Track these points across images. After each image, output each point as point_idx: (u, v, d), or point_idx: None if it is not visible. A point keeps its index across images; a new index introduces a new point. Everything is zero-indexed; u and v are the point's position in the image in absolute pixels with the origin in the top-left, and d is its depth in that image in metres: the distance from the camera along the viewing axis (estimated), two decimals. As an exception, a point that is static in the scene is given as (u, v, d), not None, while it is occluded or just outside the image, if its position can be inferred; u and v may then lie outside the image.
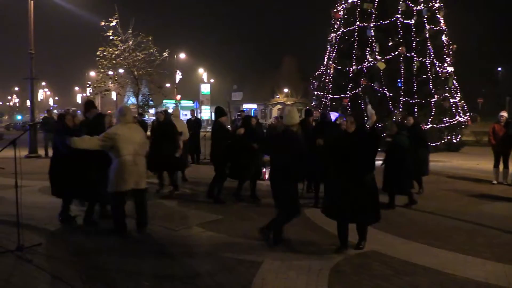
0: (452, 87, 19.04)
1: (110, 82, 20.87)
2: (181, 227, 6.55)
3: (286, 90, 60.04)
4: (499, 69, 65.17)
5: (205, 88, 59.08)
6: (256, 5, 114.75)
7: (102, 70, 19.41)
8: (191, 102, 56.43)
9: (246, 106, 59.46)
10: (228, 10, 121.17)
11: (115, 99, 43.42)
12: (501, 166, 10.33)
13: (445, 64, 18.80)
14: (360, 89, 18.03)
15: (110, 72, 20.10)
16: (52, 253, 5.27)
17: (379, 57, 17.91)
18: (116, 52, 18.82)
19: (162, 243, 5.80)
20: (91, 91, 23.91)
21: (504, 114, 10.49)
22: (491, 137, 10.47)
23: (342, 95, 18.73)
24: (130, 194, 6.09)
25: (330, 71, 19.83)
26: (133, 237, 6.01)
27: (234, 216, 7.25)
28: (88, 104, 7.43)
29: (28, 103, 22.58)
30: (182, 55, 47.30)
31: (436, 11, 18.81)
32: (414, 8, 18.08)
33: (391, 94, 17.45)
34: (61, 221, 6.65)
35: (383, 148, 8.07)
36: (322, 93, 20.13)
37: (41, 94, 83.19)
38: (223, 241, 5.90)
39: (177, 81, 43.86)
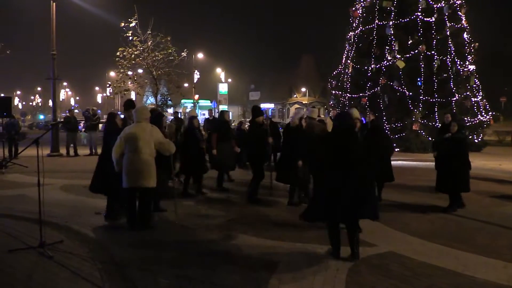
0: (474, 85, 18.69)
1: (129, 82, 21.11)
2: (198, 227, 6.60)
3: (303, 89, 59.80)
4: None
5: (223, 88, 59.09)
6: (274, 4, 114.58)
7: (122, 70, 19.65)
8: (209, 101, 56.64)
9: (263, 105, 59.38)
10: (246, 9, 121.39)
11: (134, 98, 43.99)
12: (524, 167, 10.13)
13: (467, 63, 18.47)
14: (379, 88, 17.85)
15: (130, 72, 20.34)
16: (72, 250, 5.36)
17: (398, 56, 17.70)
18: (136, 53, 19.03)
19: (181, 241, 5.87)
20: (111, 91, 24.23)
21: (528, 113, 10.25)
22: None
23: (361, 94, 18.57)
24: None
25: (348, 70, 19.68)
26: (153, 234, 6.09)
27: (249, 216, 7.26)
28: (128, 104, 7.46)
29: (50, 103, 23.02)
30: (200, 55, 47.58)
31: (457, 8, 18.49)
32: (435, 5, 17.81)
33: (410, 93, 17.23)
34: (106, 217, 6.76)
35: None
36: (340, 92, 19.99)
37: (62, 94, 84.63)
38: (240, 240, 5.92)
39: (195, 81, 44.12)
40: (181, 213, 7.14)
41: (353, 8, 20.17)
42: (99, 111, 30.76)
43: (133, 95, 36.00)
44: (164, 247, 5.62)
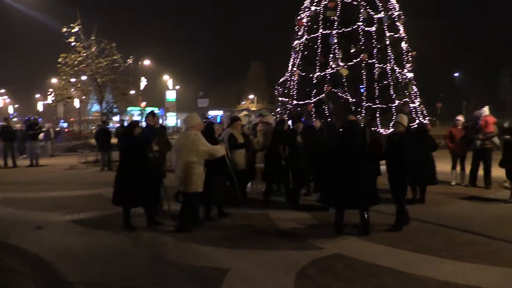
0: (412, 92, 19.66)
1: (72, 89, 20.37)
2: (148, 235, 6.50)
3: (252, 96, 60.28)
4: (456, 74, 67.92)
5: (171, 95, 58.50)
6: (223, 11, 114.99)
7: (64, 77, 18.93)
8: (157, 109, 55.70)
9: (212, 112, 59.23)
10: (194, 16, 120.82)
11: (78, 106, 42.38)
12: (458, 168, 10.78)
13: (405, 70, 19.41)
14: (324, 95, 18.35)
15: (73, 79, 19.63)
16: (12, 267, 5.11)
17: (342, 64, 18.29)
18: (79, 59, 18.41)
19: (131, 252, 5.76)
20: (53, 98, 23.22)
21: (461, 118, 10.95)
22: (448, 140, 10.94)
23: (307, 101, 19.01)
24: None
25: (294, 77, 20.09)
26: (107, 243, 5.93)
27: (205, 225, 7.24)
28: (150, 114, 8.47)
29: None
30: (147, 62, 46.76)
31: (396, 19, 19.42)
32: (375, 16, 18.61)
33: (354, 100, 17.85)
34: (125, 228, 6.78)
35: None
36: (287, 99, 20.36)
37: (0, 102, 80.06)
38: (191, 248, 5.89)
39: (142, 88, 43.27)
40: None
41: (299, 17, 20.64)
42: (40, 119, 29.39)
43: (76, 103, 34.72)
44: (116, 261, 5.48)
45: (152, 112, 8.84)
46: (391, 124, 17.25)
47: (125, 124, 17.89)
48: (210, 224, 7.02)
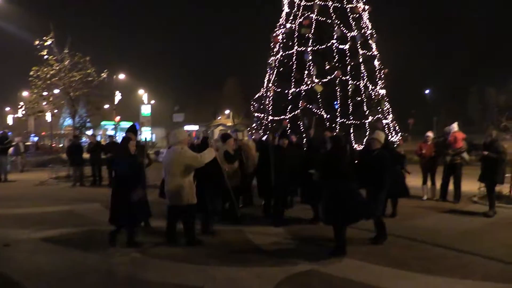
0: (385, 108, 20.08)
1: (44, 103, 19.95)
2: (121, 252, 6.37)
3: (227, 111, 60.39)
4: (427, 91, 69.98)
5: (146, 110, 58.00)
6: (199, 26, 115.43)
7: (36, 91, 18.55)
8: (131, 123, 55.05)
9: (187, 127, 59.00)
10: (170, 30, 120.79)
11: (50, 120, 41.50)
12: (429, 183, 11.02)
13: (378, 87, 19.85)
14: (299, 111, 18.55)
15: (45, 93, 19.25)
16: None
17: (316, 80, 18.56)
18: (51, 72, 18.10)
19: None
20: (23, 112, 22.69)
21: (430, 134, 11.24)
22: (417, 153, 11.23)
23: (282, 116, 19.16)
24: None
25: (270, 93, 20.26)
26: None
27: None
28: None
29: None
30: (122, 76, 46.31)
31: (369, 37, 19.91)
32: (348, 34, 19.03)
33: (328, 116, 18.10)
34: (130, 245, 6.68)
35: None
36: (262, 115, 20.48)
37: (-34, 115, 77.66)
38: (164, 266, 5.80)
39: (116, 102, 42.76)
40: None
41: (274, 34, 20.91)
42: (10, 133, 28.62)
43: (48, 117, 34.02)
44: (87, 280, 5.34)
45: (133, 127, 8.56)
46: (365, 140, 17.60)
47: (99, 138, 17.60)
48: (184, 241, 6.93)
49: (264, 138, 12.58)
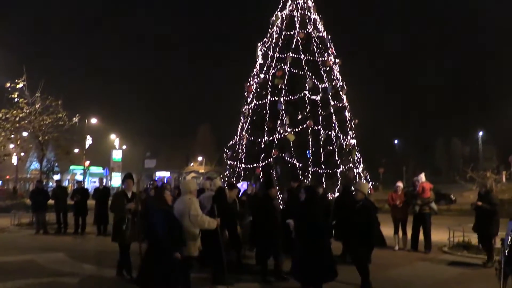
0: (356, 158, 20.45)
1: (11, 146, 19.43)
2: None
3: (200, 158, 60.18)
4: (396, 142, 72.16)
5: (117, 155, 56.92)
6: (172, 73, 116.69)
7: (3, 133, 18.10)
8: (101, 168, 53.94)
9: (159, 173, 58.25)
10: (142, 76, 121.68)
11: (16, 163, 40.24)
12: (400, 233, 11.07)
13: (349, 137, 20.31)
14: (271, 159, 18.67)
15: (12, 136, 18.79)
16: None
17: (289, 129, 18.86)
18: (21, 115, 17.77)
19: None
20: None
21: (400, 184, 11.44)
22: (390, 204, 11.35)
23: (255, 164, 19.22)
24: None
25: (243, 141, 20.40)
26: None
27: None
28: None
29: None
30: (94, 120, 45.79)
31: (339, 89, 20.59)
32: (320, 85, 19.64)
33: (300, 164, 18.27)
34: None
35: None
36: (235, 163, 20.49)
37: None
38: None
39: (86, 147, 41.99)
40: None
41: (248, 84, 21.36)
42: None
43: (14, 160, 33.04)
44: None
45: (130, 175, 8.27)
46: (337, 189, 17.75)
47: (66, 183, 17.06)
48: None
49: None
